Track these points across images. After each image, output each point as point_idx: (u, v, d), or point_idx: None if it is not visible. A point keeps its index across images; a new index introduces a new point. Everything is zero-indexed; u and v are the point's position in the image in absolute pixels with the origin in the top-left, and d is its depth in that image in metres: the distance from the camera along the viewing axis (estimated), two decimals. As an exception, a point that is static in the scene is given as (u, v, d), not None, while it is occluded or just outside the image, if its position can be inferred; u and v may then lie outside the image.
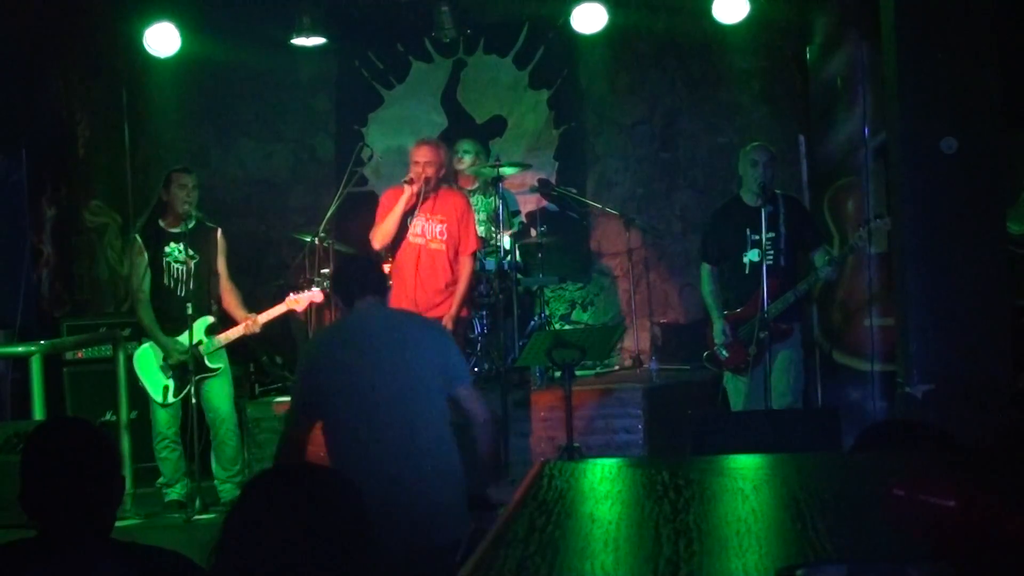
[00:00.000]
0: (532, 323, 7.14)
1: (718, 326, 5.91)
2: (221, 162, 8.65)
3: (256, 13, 8.07)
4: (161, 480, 6.27)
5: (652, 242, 8.19)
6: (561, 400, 5.76)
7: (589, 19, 7.79)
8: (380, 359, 3.84)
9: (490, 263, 6.74)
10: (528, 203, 8.20)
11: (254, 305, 6.38)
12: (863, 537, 1.59)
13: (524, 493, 1.83)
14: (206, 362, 6.12)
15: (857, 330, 6.68)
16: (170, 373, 6.11)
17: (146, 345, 6.17)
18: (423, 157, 6.10)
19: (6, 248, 6.43)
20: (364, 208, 6.68)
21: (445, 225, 6.18)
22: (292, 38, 7.90)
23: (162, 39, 7.73)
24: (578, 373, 6.03)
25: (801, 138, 7.50)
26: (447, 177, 6.45)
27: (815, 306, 7.01)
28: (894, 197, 5.15)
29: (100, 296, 7.69)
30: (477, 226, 6.53)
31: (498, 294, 6.63)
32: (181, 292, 6.13)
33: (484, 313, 6.69)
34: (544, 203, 8.29)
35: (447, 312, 6.06)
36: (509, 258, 6.77)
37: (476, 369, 6.50)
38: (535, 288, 7.29)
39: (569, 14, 7.82)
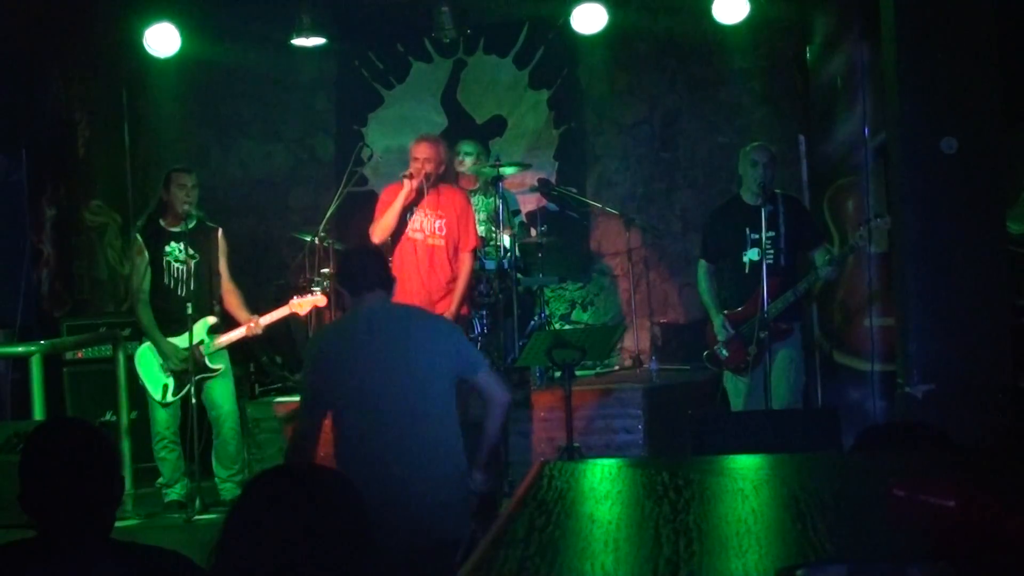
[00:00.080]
0: (532, 323, 7.14)
1: (718, 321, 5.90)
2: (221, 162, 8.66)
3: (256, 13, 8.07)
4: (161, 480, 6.27)
5: (652, 242, 8.19)
6: (561, 400, 5.75)
7: (589, 19, 7.79)
8: (388, 352, 3.84)
9: (490, 263, 6.74)
10: (528, 203, 8.20)
11: (254, 305, 6.38)
12: (863, 537, 1.59)
13: (524, 493, 1.83)
14: (207, 362, 6.12)
15: (857, 330, 6.68)
16: (170, 372, 6.11)
17: (147, 344, 6.17)
18: (422, 153, 6.12)
19: (6, 248, 6.43)
20: (364, 208, 6.68)
21: (444, 221, 6.19)
22: (292, 38, 7.90)
23: (162, 39, 7.73)
24: (578, 373, 6.03)
25: (801, 138, 7.51)
26: (447, 175, 6.45)
27: (815, 306, 7.01)
28: (894, 197, 5.15)
29: (100, 296, 7.70)
30: (478, 226, 6.54)
31: (498, 294, 6.63)
32: (181, 292, 6.13)
33: (484, 313, 6.69)
34: (544, 203, 8.29)
35: (447, 309, 6.06)
36: (509, 256, 6.76)
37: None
38: (535, 288, 7.28)
39: (569, 14, 7.82)
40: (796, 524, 1.64)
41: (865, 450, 2.79)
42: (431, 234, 6.20)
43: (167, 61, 7.95)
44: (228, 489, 6.18)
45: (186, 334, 5.99)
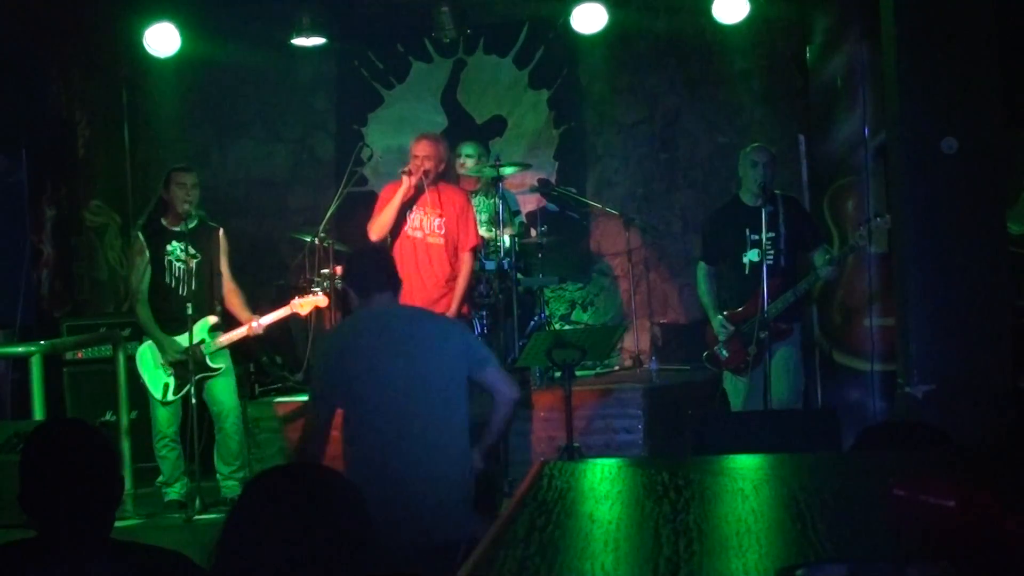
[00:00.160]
0: (532, 323, 7.13)
1: (717, 321, 5.90)
2: (221, 162, 8.65)
3: (256, 13, 8.07)
4: (160, 479, 6.27)
5: (652, 242, 8.19)
6: (561, 400, 5.75)
7: (589, 19, 7.79)
8: (399, 353, 3.84)
9: (490, 264, 6.74)
10: (528, 203, 8.20)
11: (253, 305, 6.38)
12: (863, 537, 1.59)
13: (524, 493, 1.83)
14: (208, 362, 6.12)
15: (857, 330, 6.68)
16: (170, 371, 6.11)
17: (148, 342, 6.17)
18: (422, 151, 6.11)
19: (6, 248, 6.42)
20: (364, 208, 6.68)
21: (444, 220, 6.18)
22: (292, 38, 7.90)
23: (162, 39, 7.73)
24: (578, 373, 6.03)
25: (801, 138, 7.50)
26: (448, 174, 6.45)
27: (815, 306, 7.01)
28: (894, 197, 5.15)
29: (100, 296, 7.69)
30: (479, 226, 6.53)
31: (498, 294, 6.63)
32: (182, 291, 6.12)
33: (484, 313, 6.69)
34: (544, 203, 8.29)
35: (447, 309, 6.05)
36: (509, 258, 6.75)
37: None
38: (535, 288, 7.28)
39: (569, 14, 7.82)
40: (796, 524, 1.64)
41: (865, 450, 2.79)
42: (430, 232, 6.20)
43: (167, 61, 7.95)
44: (229, 487, 6.17)
45: (186, 333, 5.99)
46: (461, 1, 8.01)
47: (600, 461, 2.35)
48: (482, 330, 6.68)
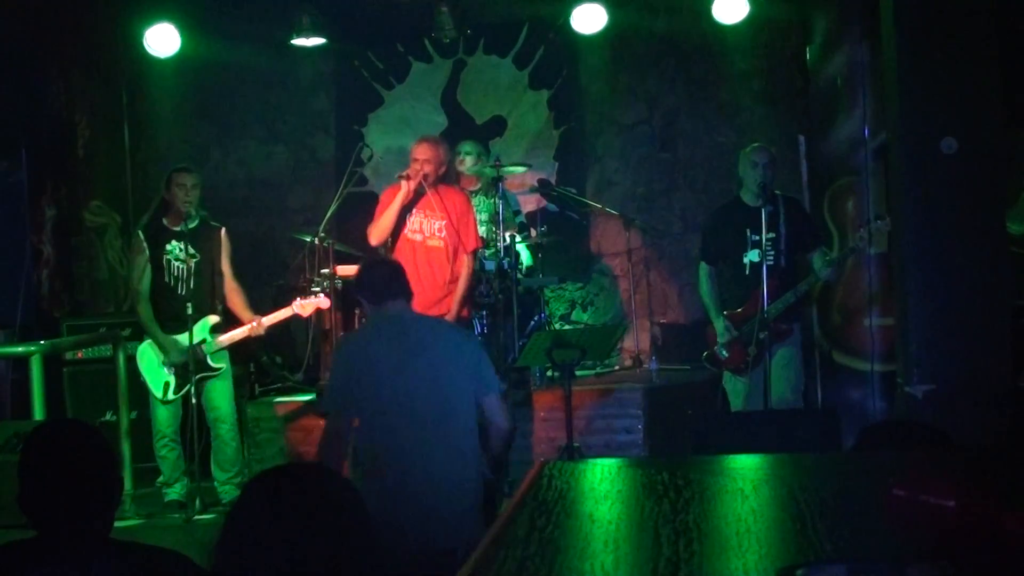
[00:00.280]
0: (532, 323, 7.13)
1: (720, 324, 5.90)
2: (221, 162, 8.65)
3: (256, 13, 8.07)
4: (160, 479, 6.27)
5: (652, 242, 8.19)
6: (561, 400, 5.75)
7: (589, 19, 7.79)
8: (417, 359, 3.89)
9: (490, 264, 6.74)
10: (528, 203, 8.20)
11: (253, 305, 6.37)
12: (863, 537, 1.59)
13: (524, 493, 1.83)
14: (208, 361, 6.12)
15: (857, 330, 6.68)
16: (171, 370, 6.11)
17: (148, 341, 6.17)
18: (422, 155, 6.12)
19: (6, 248, 6.43)
20: (364, 208, 6.68)
21: (444, 222, 6.18)
22: (292, 38, 7.90)
23: (162, 39, 7.73)
24: (578, 373, 6.03)
25: (801, 138, 7.50)
26: (449, 175, 6.45)
27: (815, 306, 7.01)
28: (894, 197, 5.15)
29: (100, 296, 7.69)
30: (479, 227, 6.53)
31: (498, 294, 6.63)
32: (182, 291, 6.13)
33: (484, 313, 6.69)
34: (544, 203, 8.29)
35: (447, 312, 6.06)
36: (509, 259, 6.75)
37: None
38: (535, 288, 7.28)
39: (569, 14, 7.82)
40: (796, 524, 1.64)
41: (865, 450, 2.79)
42: (430, 235, 6.20)
43: (167, 61, 7.95)
44: (227, 491, 6.18)
45: (186, 333, 5.99)
46: (461, 1, 8.01)
47: (600, 461, 2.35)
48: (482, 330, 6.68)
